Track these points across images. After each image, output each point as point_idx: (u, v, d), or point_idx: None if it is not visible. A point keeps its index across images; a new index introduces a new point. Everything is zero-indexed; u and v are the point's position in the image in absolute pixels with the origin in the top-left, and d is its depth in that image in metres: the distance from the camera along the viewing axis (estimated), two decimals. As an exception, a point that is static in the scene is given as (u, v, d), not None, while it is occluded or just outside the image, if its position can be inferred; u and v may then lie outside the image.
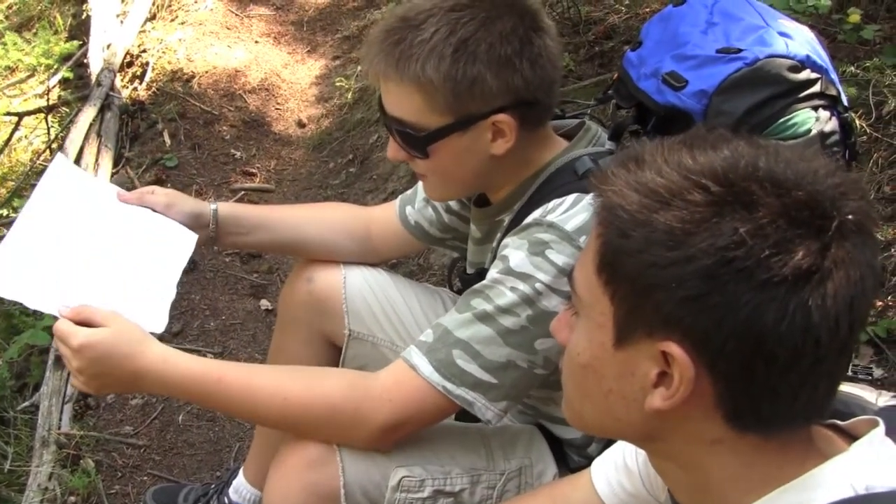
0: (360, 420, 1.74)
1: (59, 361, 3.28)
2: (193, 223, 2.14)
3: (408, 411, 1.75)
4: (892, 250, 2.77)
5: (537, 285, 1.70)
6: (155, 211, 2.10)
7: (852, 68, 3.21)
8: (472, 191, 2.02)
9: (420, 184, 2.25)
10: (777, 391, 1.02)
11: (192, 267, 3.98)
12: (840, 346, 1.02)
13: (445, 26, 1.74)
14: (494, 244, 1.97)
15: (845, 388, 1.26)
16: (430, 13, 1.76)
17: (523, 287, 1.70)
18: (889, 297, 2.72)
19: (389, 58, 1.76)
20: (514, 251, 1.74)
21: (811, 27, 1.91)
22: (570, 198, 1.76)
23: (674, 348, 1.02)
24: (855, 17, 3.35)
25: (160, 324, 1.90)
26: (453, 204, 2.21)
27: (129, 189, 2.15)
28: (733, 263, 0.97)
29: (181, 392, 1.80)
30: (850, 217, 0.99)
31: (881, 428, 1.10)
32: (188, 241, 2.10)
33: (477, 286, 1.78)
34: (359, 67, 5.29)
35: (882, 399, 1.25)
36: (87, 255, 1.96)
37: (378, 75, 1.81)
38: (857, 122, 3.04)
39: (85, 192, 2.08)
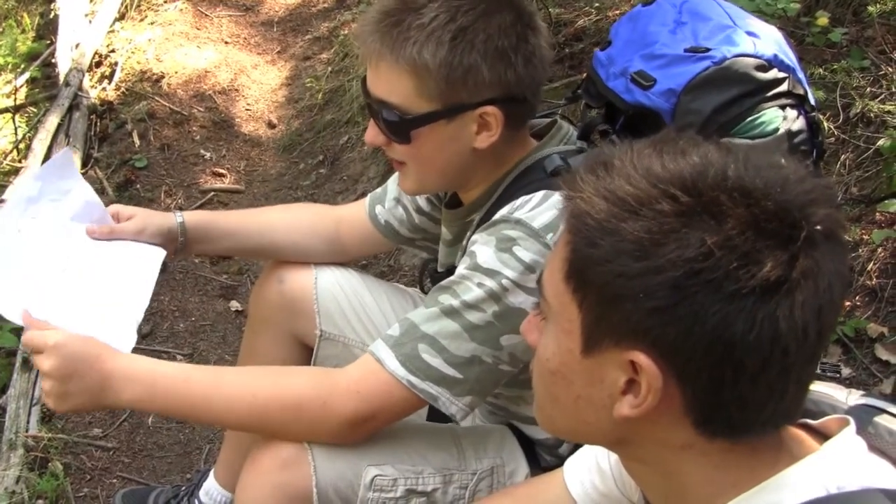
0: (327, 414, 1.74)
1: (26, 364, 3.26)
2: (163, 241, 2.17)
3: (374, 404, 1.74)
4: (860, 251, 2.79)
5: (504, 281, 1.70)
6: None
7: (820, 70, 3.23)
8: (447, 185, 2.01)
9: (390, 182, 2.26)
10: (746, 399, 1.02)
11: (161, 269, 3.95)
12: (808, 354, 1.02)
13: (445, 13, 1.74)
14: (464, 243, 1.97)
15: (816, 387, 1.27)
16: None
17: (490, 283, 1.70)
18: (857, 298, 2.74)
19: (386, 38, 1.76)
20: (482, 247, 1.74)
21: (779, 29, 1.92)
22: (538, 195, 1.76)
23: (641, 358, 1.02)
24: (823, 20, 3.37)
25: (128, 344, 1.89)
26: (424, 205, 2.21)
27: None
28: (701, 275, 0.97)
29: (148, 394, 1.76)
30: (818, 227, 0.99)
31: (852, 427, 1.11)
32: (157, 258, 2.11)
33: (444, 282, 1.78)
34: (329, 68, 5.28)
35: (852, 397, 1.26)
36: (58, 269, 1.98)
37: (371, 55, 1.79)
38: (826, 123, 3.06)
39: (68, 202, 2.09)
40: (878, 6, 3.37)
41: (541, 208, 1.74)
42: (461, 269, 1.77)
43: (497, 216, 1.78)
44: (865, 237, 2.82)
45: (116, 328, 1.90)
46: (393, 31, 1.75)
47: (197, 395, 1.76)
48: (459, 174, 1.91)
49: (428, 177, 1.92)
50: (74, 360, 1.73)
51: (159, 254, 2.12)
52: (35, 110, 5.25)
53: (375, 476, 1.81)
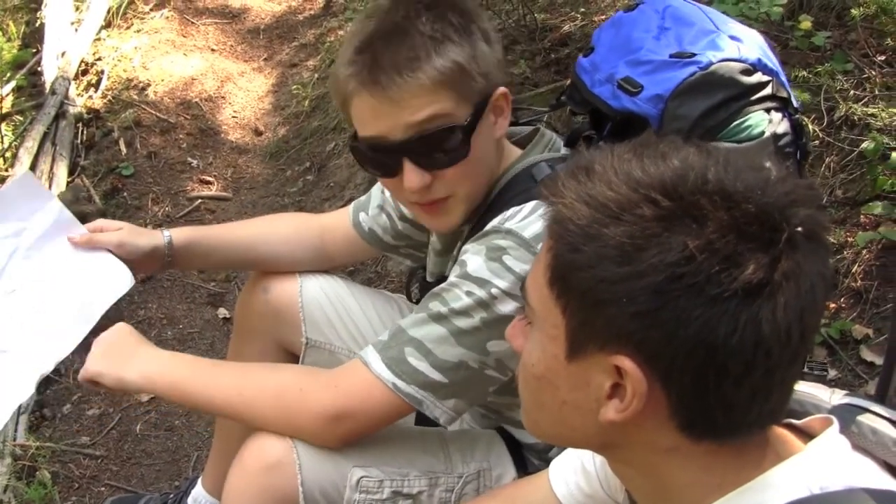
0: (303, 402, 1.76)
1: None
2: (148, 258, 2.17)
3: (351, 401, 1.75)
4: (845, 253, 2.80)
5: (493, 290, 1.70)
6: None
7: (804, 73, 3.25)
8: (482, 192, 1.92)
9: (374, 190, 2.26)
10: (731, 402, 1.03)
11: (148, 276, 3.96)
12: (792, 356, 1.02)
13: (436, 18, 1.74)
14: (455, 253, 1.97)
15: (800, 387, 1.27)
16: (397, 14, 1.74)
17: (479, 292, 1.70)
18: (842, 299, 2.75)
19: (402, 70, 1.68)
20: (473, 256, 1.74)
21: (763, 33, 1.93)
22: (529, 205, 1.76)
23: (626, 362, 1.02)
24: (806, 23, 3.39)
25: (47, 366, 1.93)
26: (406, 211, 2.21)
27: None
28: (683, 279, 0.97)
29: (165, 371, 1.87)
30: (799, 228, 0.99)
31: (835, 426, 1.11)
32: (123, 283, 2.09)
33: (435, 289, 1.78)
34: (316, 75, 5.29)
35: (835, 397, 1.26)
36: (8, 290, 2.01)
37: (385, 102, 1.71)
38: (810, 126, 3.08)
39: (37, 218, 2.09)
40: (860, 10, 3.40)
41: (531, 218, 1.73)
42: (451, 278, 1.77)
43: (488, 227, 1.78)
44: (850, 239, 2.83)
45: (53, 341, 1.94)
46: (398, 60, 1.69)
47: (200, 377, 1.87)
48: (489, 174, 1.88)
49: (477, 188, 1.86)
50: (118, 329, 1.95)
51: (123, 284, 2.09)
52: (21, 119, 5.24)
53: (361, 477, 1.81)
